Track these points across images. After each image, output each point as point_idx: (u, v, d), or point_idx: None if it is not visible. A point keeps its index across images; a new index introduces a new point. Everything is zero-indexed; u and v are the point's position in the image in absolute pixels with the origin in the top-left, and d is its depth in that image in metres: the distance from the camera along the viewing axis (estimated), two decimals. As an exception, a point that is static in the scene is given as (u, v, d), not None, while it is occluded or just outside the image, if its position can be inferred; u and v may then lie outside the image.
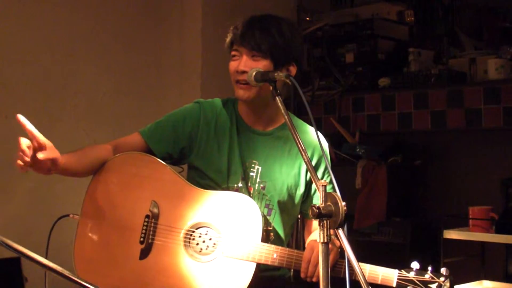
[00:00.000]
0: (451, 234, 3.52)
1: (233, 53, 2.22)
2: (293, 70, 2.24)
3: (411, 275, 2.01)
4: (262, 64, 2.15)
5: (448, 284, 1.98)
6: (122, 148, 2.25)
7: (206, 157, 2.26)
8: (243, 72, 2.15)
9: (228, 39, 2.25)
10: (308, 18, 4.70)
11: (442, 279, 1.99)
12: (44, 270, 1.32)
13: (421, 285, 1.99)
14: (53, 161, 1.94)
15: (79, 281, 1.32)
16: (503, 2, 4.81)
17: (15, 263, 3.15)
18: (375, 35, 4.46)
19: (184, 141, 2.27)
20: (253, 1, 4.21)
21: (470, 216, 3.53)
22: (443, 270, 2.00)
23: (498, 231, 3.41)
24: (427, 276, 2.00)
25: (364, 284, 1.56)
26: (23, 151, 1.90)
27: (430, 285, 1.98)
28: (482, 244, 3.67)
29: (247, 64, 2.16)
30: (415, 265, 2.02)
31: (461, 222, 3.63)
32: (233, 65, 2.21)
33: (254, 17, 2.23)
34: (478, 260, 3.70)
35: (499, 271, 3.72)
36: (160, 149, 2.26)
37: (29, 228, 3.37)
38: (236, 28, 2.22)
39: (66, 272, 1.31)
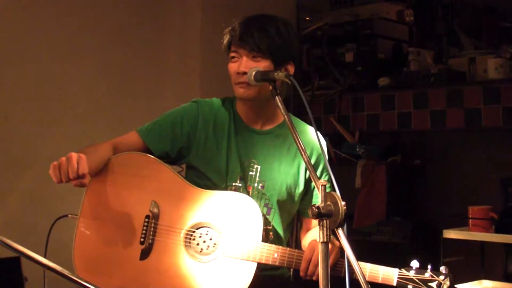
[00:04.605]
0: (451, 234, 3.52)
1: (232, 54, 2.22)
2: (291, 69, 2.24)
3: (411, 273, 2.01)
4: (263, 64, 2.15)
5: (448, 283, 1.98)
6: (121, 147, 2.25)
7: (204, 157, 2.26)
8: (244, 73, 2.15)
9: (225, 41, 2.25)
10: (307, 18, 4.70)
11: (441, 277, 1.99)
12: (43, 269, 1.32)
13: (421, 283, 1.99)
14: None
15: (78, 280, 1.32)
16: (503, 2, 4.81)
17: (15, 262, 3.15)
18: (375, 34, 4.46)
19: (183, 141, 2.27)
20: (253, 1, 4.21)
21: (470, 216, 3.53)
22: (442, 269, 2.01)
23: (498, 230, 3.41)
24: (427, 274, 2.00)
25: (364, 284, 1.56)
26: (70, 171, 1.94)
27: (430, 284, 1.98)
28: (482, 243, 3.67)
29: (248, 65, 2.16)
30: (414, 263, 2.03)
31: (461, 222, 3.63)
32: (233, 66, 2.21)
33: (250, 17, 2.23)
34: (477, 260, 3.70)
35: (499, 271, 3.72)
36: (158, 148, 2.26)
37: (28, 228, 3.37)
38: (233, 30, 2.21)
39: (66, 272, 1.31)
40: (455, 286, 2.05)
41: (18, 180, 3.47)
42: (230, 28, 2.23)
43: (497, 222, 3.44)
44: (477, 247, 3.71)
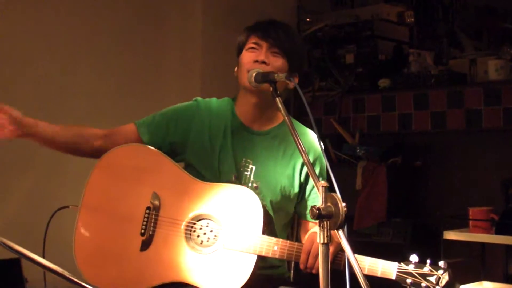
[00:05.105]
0: (451, 235, 3.51)
1: (251, 45, 2.25)
2: (296, 79, 2.27)
3: (410, 268, 2.01)
4: (280, 62, 2.21)
5: (446, 277, 1.97)
6: (115, 136, 2.30)
7: (199, 155, 2.28)
8: (263, 62, 2.19)
9: (245, 33, 2.28)
10: (308, 19, 4.70)
11: (440, 271, 1.99)
12: (44, 270, 1.32)
13: (420, 277, 1.99)
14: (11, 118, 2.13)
15: (78, 281, 1.32)
16: (503, 2, 4.81)
17: (15, 264, 3.15)
18: (375, 36, 4.46)
19: (175, 136, 2.29)
20: (253, 2, 4.20)
21: (470, 217, 3.52)
22: (441, 263, 2.00)
23: (498, 232, 3.40)
24: (426, 269, 2.00)
25: (363, 283, 1.56)
26: None
27: (428, 278, 1.98)
28: (482, 245, 3.67)
29: (268, 57, 2.20)
30: (413, 258, 2.03)
31: (461, 223, 3.62)
32: (250, 56, 2.23)
33: (273, 19, 2.30)
34: (478, 261, 3.70)
35: (499, 272, 3.72)
36: (148, 140, 2.28)
37: (28, 228, 3.36)
38: (258, 23, 2.27)
39: (66, 273, 1.31)
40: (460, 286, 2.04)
41: (18, 180, 3.47)
42: (253, 23, 2.29)
43: (498, 223, 3.43)
44: (477, 249, 3.70)
